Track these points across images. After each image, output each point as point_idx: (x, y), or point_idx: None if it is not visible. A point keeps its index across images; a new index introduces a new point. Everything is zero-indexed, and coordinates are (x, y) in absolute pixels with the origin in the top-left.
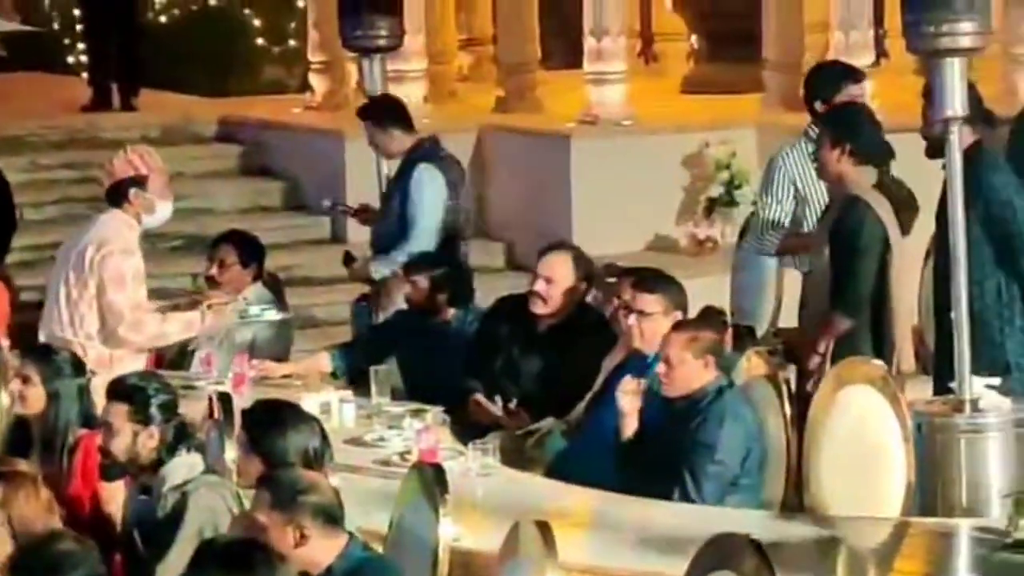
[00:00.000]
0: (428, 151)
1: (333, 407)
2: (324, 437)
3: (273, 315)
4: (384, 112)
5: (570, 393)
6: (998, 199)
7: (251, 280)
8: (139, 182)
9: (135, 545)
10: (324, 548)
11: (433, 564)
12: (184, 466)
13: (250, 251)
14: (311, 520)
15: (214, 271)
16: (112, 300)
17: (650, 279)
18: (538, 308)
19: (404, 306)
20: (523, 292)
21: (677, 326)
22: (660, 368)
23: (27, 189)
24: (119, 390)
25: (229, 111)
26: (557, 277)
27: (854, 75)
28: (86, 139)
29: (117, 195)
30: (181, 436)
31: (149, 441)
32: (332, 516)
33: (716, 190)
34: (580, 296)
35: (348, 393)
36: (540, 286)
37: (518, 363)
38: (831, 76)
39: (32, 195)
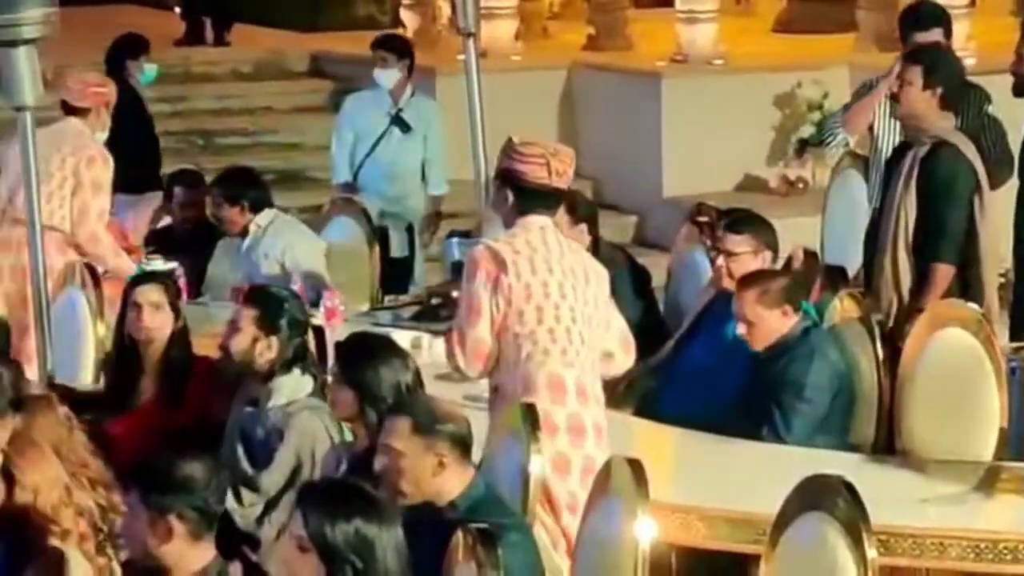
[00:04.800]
0: None
1: (424, 342)
2: (416, 372)
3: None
4: None
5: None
6: None
7: (250, 213)
8: None
9: (237, 455)
10: (456, 479)
11: (524, 500)
12: (292, 385)
13: (235, 189)
14: (449, 448)
15: (214, 214)
16: None
17: (739, 219)
18: None
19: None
20: None
21: (744, 284)
22: (740, 328)
23: None
24: (254, 295)
25: (321, 46)
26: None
27: (932, 20)
28: (179, 73)
29: None
30: (300, 355)
31: (267, 351)
32: (466, 447)
33: (808, 130)
34: (587, 236)
35: (440, 328)
36: None
37: None
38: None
39: None
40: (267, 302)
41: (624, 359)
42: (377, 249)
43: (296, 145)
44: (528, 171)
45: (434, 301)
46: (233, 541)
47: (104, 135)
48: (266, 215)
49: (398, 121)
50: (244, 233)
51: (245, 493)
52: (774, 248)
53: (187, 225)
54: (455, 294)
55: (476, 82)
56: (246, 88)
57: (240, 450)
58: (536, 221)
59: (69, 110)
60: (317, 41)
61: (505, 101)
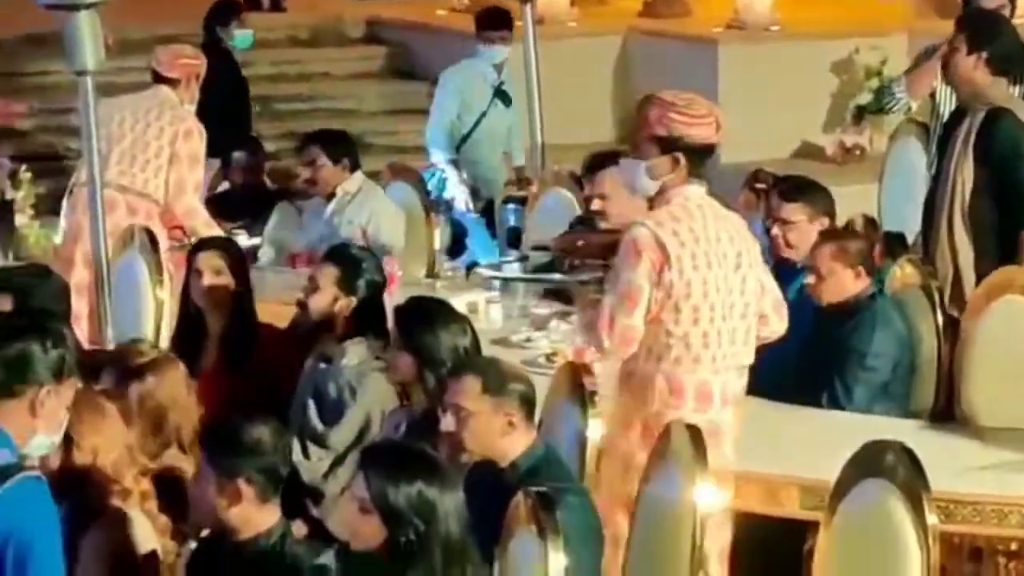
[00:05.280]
0: None
1: (480, 307)
2: (474, 336)
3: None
4: None
5: None
6: None
7: (349, 173)
8: None
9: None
10: (521, 441)
11: (581, 464)
12: (366, 346)
13: (337, 147)
14: (518, 409)
15: (308, 174)
16: None
17: (794, 187)
18: (602, 224)
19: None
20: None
21: (825, 236)
22: (810, 279)
23: None
24: (336, 254)
25: (377, 12)
26: (609, 192)
27: None
28: None
29: None
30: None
31: (345, 311)
32: (532, 408)
33: (865, 97)
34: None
35: (495, 294)
36: (596, 205)
37: None
38: None
39: None
40: (348, 262)
41: (778, 323)
42: (433, 216)
43: (353, 111)
44: (699, 133)
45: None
46: (296, 496)
47: (192, 107)
48: (355, 181)
49: (501, 94)
50: (329, 196)
51: (313, 448)
52: (830, 215)
53: (244, 191)
54: (579, 242)
55: (533, 48)
56: (303, 54)
57: (311, 406)
58: (696, 194)
59: (158, 79)
60: (372, 7)
61: (561, 67)
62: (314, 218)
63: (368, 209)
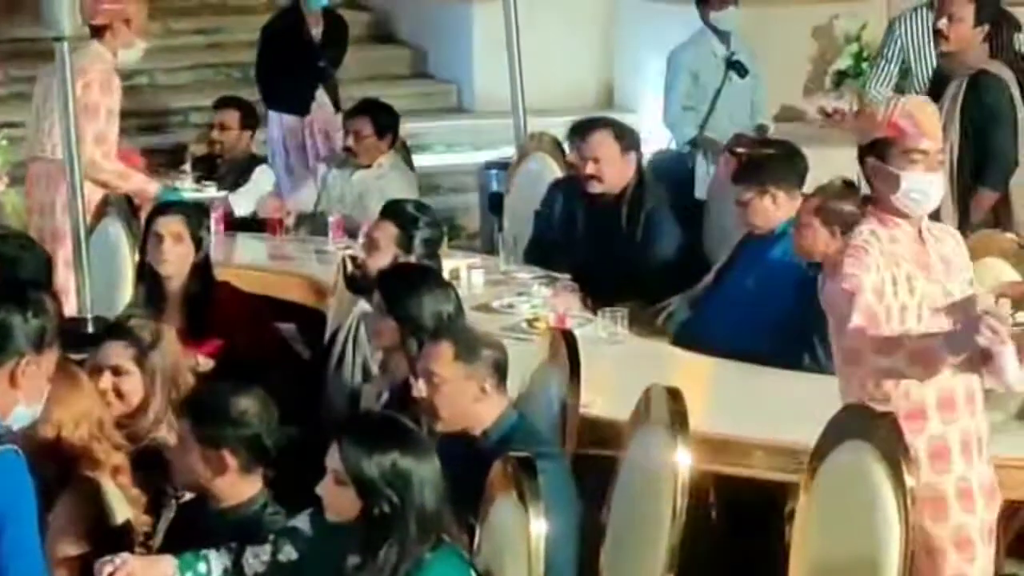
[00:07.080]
0: None
1: (462, 273)
2: (458, 302)
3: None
4: None
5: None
6: None
7: (387, 148)
8: None
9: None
10: (493, 408)
11: (562, 431)
12: None
13: (384, 121)
14: (489, 376)
15: (350, 142)
16: None
17: (745, 166)
18: (595, 188)
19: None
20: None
21: (814, 192)
22: (792, 230)
23: (160, 55)
24: (393, 210)
25: None
26: (603, 155)
27: None
28: (216, 4)
29: None
30: None
31: None
32: (504, 375)
33: (845, 62)
34: (634, 166)
35: (477, 260)
36: (590, 168)
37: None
38: None
39: (165, 61)
40: (405, 219)
41: None
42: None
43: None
44: None
45: None
46: None
47: (132, 51)
48: (391, 156)
49: (734, 66)
50: (362, 165)
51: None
52: (801, 180)
53: (225, 154)
54: None
55: (513, 13)
56: None
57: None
58: None
59: (92, 32)
60: None
61: (543, 27)
62: (335, 183)
63: (395, 184)
